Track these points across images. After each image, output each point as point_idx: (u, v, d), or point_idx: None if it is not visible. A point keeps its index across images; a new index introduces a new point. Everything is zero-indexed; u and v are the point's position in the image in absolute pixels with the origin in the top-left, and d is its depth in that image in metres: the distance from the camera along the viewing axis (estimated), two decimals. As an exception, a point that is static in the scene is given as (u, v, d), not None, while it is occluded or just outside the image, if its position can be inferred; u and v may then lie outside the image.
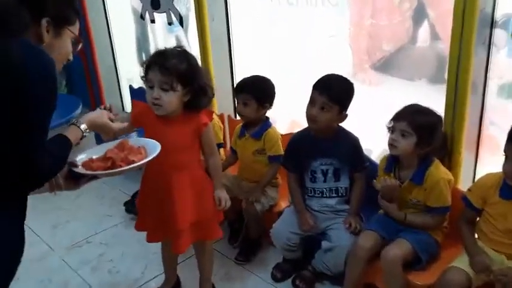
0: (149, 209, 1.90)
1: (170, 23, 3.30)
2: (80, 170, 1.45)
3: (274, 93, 2.30)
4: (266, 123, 2.32)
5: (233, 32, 2.90)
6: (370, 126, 2.27)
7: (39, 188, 1.24)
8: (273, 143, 2.28)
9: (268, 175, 2.31)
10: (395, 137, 1.82)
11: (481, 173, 2.05)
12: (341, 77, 2.00)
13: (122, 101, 4.15)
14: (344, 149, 2.03)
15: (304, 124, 2.79)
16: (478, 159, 2.06)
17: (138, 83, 3.25)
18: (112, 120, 1.54)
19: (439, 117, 1.85)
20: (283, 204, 2.38)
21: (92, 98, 4.13)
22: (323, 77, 1.99)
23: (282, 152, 2.26)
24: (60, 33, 1.27)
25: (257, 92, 2.23)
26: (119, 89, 4.13)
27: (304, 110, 2.58)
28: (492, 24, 1.83)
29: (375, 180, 1.93)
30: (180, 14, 3.20)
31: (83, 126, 1.41)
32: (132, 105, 1.88)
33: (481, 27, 1.81)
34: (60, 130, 1.38)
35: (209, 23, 2.82)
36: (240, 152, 2.41)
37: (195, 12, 2.83)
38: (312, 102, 1.95)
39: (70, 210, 2.96)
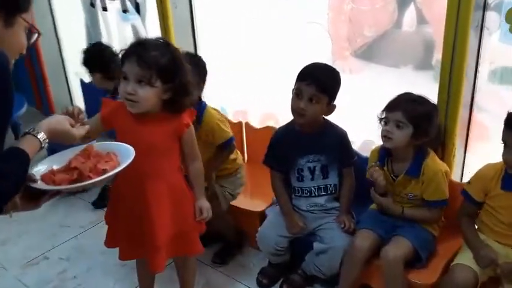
0: (121, 223, 1.67)
1: (125, 11, 3.02)
2: (41, 185, 1.20)
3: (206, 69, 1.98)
4: (200, 105, 1.95)
5: (197, 19, 2.68)
6: (351, 117, 2.15)
7: None
8: (212, 128, 1.96)
9: (212, 163, 1.99)
10: (390, 129, 1.70)
11: (470, 161, 1.99)
12: (326, 65, 1.86)
13: (70, 97, 3.80)
14: (331, 144, 1.89)
15: (278, 117, 2.69)
16: (468, 147, 1.99)
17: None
18: (73, 126, 1.28)
19: (434, 105, 1.75)
20: (264, 204, 2.22)
21: (37, 94, 3.76)
22: (307, 66, 1.82)
23: (229, 135, 2.00)
24: (11, 22, 1.08)
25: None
26: (67, 84, 3.78)
27: (277, 101, 2.46)
28: (484, 6, 1.74)
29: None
30: (136, 1, 2.93)
31: (41, 136, 1.16)
32: (101, 103, 1.61)
33: (474, 9, 1.72)
34: (13, 142, 1.14)
35: (172, 11, 2.58)
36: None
37: (155, -2, 2.58)
38: (298, 94, 1.78)
39: (20, 222, 2.62)
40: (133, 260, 1.99)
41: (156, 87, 1.47)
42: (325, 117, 1.89)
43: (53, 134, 1.20)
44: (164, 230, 1.60)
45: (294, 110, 1.82)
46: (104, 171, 1.26)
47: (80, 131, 1.29)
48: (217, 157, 2.04)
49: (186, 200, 1.66)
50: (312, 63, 1.86)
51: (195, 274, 1.90)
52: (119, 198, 1.67)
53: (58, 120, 1.25)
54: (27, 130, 1.17)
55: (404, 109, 1.69)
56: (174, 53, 1.51)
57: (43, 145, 1.16)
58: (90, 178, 1.23)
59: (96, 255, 2.35)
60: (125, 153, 1.33)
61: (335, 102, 1.84)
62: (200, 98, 1.99)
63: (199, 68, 1.90)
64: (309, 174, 1.92)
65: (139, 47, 1.48)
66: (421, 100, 1.73)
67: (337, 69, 1.86)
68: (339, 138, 1.91)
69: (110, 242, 1.75)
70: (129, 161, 1.29)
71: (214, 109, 2.06)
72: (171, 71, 1.48)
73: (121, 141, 1.53)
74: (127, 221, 1.64)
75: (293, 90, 1.82)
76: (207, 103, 2.02)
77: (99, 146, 1.37)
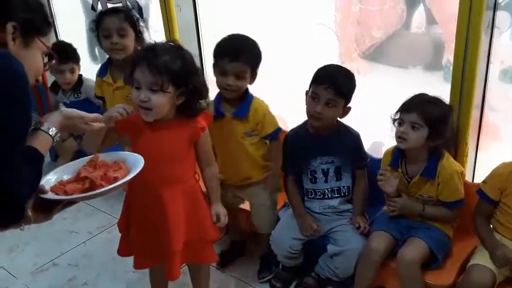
0: (136, 231, 1.65)
1: (133, 15, 2.99)
2: (52, 195, 1.19)
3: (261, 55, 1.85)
4: (247, 95, 1.87)
5: (202, 21, 2.67)
6: (360, 118, 2.14)
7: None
8: (265, 117, 1.86)
9: (277, 157, 1.93)
10: (405, 130, 1.70)
11: (482, 161, 1.99)
12: (341, 67, 1.86)
13: (72, 102, 3.77)
14: (346, 146, 1.88)
15: (286, 119, 2.67)
16: (479, 147, 2.00)
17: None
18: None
19: (449, 107, 1.75)
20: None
21: (39, 101, 3.71)
22: (323, 68, 1.82)
23: (278, 124, 1.91)
24: (29, 43, 1.07)
25: (251, 57, 1.79)
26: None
27: (285, 103, 2.45)
28: (495, 6, 1.75)
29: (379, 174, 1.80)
30: (139, 4, 2.91)
31: (53, 131, 1.14)
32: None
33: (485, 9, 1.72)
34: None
35: (176, 13, 2.57)
36: (220, 140, 1.87)
37: (160, 1, 2.56)
38: (314, 98, 1.77)
39: (27, 229, 2.53)
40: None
41: (169, 92, 1.45)
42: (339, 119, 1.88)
43: (63, 128, 1.20)
44: (179, 237, 1.58)
45: (310, 114, 1.81)
46: (116, 179, 1.25)
47: (91, 126, 1.29)
48: (272, 152, 1.95)
49: (201, 206, 1.65)
50: (327, 65, 1.85)
51: (209, 280, 1.89)
52: (133, 207, 1.66)
53: (68, 115, 1.24)
54: (37, 126, 1.14)
55: (420, 110, 1.68)
56: (186, 57, 1.50)
57: (55, 141, 1.16)
58: (102, 186, 1.22)
59: (105, 261, 2.33)
60: (134, 161, 1.32)
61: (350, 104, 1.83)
62: (247, 90, 1.87)
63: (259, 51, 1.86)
64: (323, 176, 1.91)
65: (150, 53, 1.46)
66: (436, 101, 1.73)
67: (345, 68, 1.85)
68: (352, 139, 1.91)
69: (123, 250, 1.74)
70: (140, 167, 1.28)
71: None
72: (183, 75, 1.47)
73: (135, 149, 1.53)
74: (142, 229, 1.63)
75: (307, 92, 1.81)
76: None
77: (105, 156, 1.36)
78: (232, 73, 1.76)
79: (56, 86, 3.02)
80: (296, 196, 1.96)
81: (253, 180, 1.97)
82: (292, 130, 1.99)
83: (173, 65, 1.44)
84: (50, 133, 1.14)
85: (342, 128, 1.90)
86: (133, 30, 2.14)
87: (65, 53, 2.78)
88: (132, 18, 2.17)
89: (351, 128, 1.92)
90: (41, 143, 1.11)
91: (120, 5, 2.87)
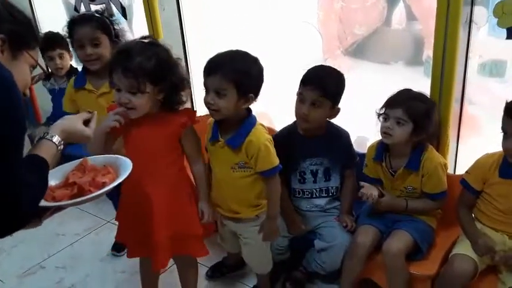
0: (129, 221, 1.70)
1: (111, 16, 2.98)
2: (43, 202, 1.17)
3: (262, 78, 1.62)
4: (248, 121, 1.64)
5: (186, 21, 2.67)
6: (345, 114, 2.17)
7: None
8: (260, 152, 1.61)
9: (272, 199, 1.70)
10: (390, 125, 1.73)
11: (463, 153, 2.03)
12: (330, 68, 1.84)
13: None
14: (336, 147, 1.89)
15: (271, 116, 2.69)
16: (460, 139, 2.04)
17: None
18: (88, 122, 1.29)
19: (433, 102, 1.78)
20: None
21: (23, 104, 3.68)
22: (310, 70, 1.82)
23: (277, 162, 1.66)
24: (16, 56, 1.08)
25: (238, 74, 1.54)
26: (53, 91, 3.72)
27: (270, 101, 2.46)
28: (472, 1, 1.79)
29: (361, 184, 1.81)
30: (122, 5, 2.90)
31: (56, 139, 1.15)
32: (107, 110, 1.61)
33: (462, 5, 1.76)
34: (29, 149, 1.14)
35: (160, 13, 2.57)
36: (213, 163, 1.75)
37: (143, 1, 2.57)
38: (301, 99, 1.78)
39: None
40: (132, 267, 1.99)
41: (147, 92, 1.47)
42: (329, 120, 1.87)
43: (67, 135, 1.21)
44: (162, 228, 1.60)
45: (297, 115, 1.82)
46: (104, 185, 1.25)
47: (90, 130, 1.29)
48: (267, 192, 1.72)
49: (186, 202, 1.67)
50: (316, 66, 1.85)
51: (197, 277, 1.90)
52: (127, 200, 1.70)
53: (71, 121, 1.25)
54: (41, 135, 1.16)
55: (405, 106, 1.71)
56: (159, 53, 1.50)
57: (59, 148, 1.16)
58: (91, 192, 1.23)
59: (93, 263, 2.33)
60: (122, 164, 1.33)
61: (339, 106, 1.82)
62: (250, 111, 1.67)
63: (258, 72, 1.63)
64: (311, 177, 1.92)
65: (123, 57, 1.47)
66: (421, 97, 1.76)
67: (333, 69, 1.85)
68: (342, 141, 1.92)
69: (119, 236, 1.80)
70: (128, 172, 1.29)
71: (263, 126, 1.69)
72: (159, 72, 1.48)
73: (126, 146, 1.59)
74: (133, 220, 1.67)
75: (297, 94, 1.81)
76: (256, 119, 1.68)
77: (94, 159, 1.37)
78: (212, 89, 1.56)
79: (48, 76, 2.98)
80: (285, 196, 1.93)
81: (241, 216, 1.76)
82: (281, 130, 1.98)
83: (147, 65, 1.45)
84: (54, 141, 1.15)
85: (331, 129, 1.90)
86: (108, 36, 2.04)
87: (52, 41, 2.74)
88: (105, 24, 2.06)
89: (341, 128, 1.93)
90: (46, 150, 1.12)
91: (99, 7, 2.84)
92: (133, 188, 1.59)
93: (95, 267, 2.30)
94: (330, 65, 2.00)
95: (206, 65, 1.58)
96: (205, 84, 1.58)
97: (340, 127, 1.93)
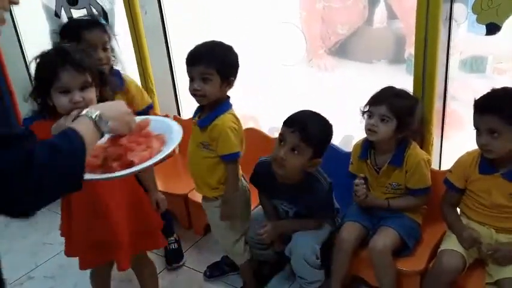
0: (79, 232, 1.61)
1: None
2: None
3: (238, 62, 1.77)
4: (221, 107, 1.74)
5: (168, 24, 2.66)
6: (329, 113, 2.18)
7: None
8: (220, 137, 1.72)
9: (230, 182, 1.80)
10: (375, 122, 1.74)
11: (447, 149, 2.06)
12: (319, 115, 1.73)
13: (40, 111, 3.70)
14: (310, 199, 1.77)
15: (258, 118, 2.69)
16: (444, 136, 2.06)
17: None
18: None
19: (416, 99, 1.80)
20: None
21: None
22: (297, 112, 1.72)
23: (236, 149, 1.74)
24: None
25: (219, 61, 1.69)
26: (36, 98, 3.67)
27: (254, 103, 2.46)
28: (452, -1, 1.81)
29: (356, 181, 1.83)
30: (103, 9, 2.88)
31: (93, 113, 1.06)
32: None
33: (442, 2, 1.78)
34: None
35: (142, 17, 2.56)
36: (189, 140, 1.87)
37: (124, 5, 2.55)
38: (281, 140, 1.67)
39: (0, 243, 2.55)
40: (120, 274, 1.95)
41: (93, 86, 1.42)
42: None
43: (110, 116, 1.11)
44: (123, 229, 1.58)
45: (273, 158, 1.70)
46: (131, 164, 1.17)
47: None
48: (226, 175, 1.81)
49: (143, 200, 1.66)
50: (302, 111, 1.74)
51: (157, 278, 1.89)
52: (75, 205, 1.59)
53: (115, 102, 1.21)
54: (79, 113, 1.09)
55: (389, 103, 1.72)
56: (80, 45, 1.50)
57: (95, 119, 1.06)
58: (113, 171, 1.17)
59: (82, 272, 2.29)
60: (171, 140, 1.25)
61: (321, 159, 1.71)
62: (227, 98, 1.78)
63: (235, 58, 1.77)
64: (284, 213, 1.91)
65: (64, 54, 1.40)
66: (404, 94, 1.78)
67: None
68: (316, 196, 1.77)
69: (68, 251, 1.73)
70: (168, 151, 1.21)
71: (233, 115, 1.77)
72: (88, 64, 1.41)
73: None
74: (84, 229, 1.59)
75: (278, 135, 1.72)
76: (232, 107, 1.78)
77: (155, 122, 1.29)
78: (198, 77, 1.68)
79: None
80: (269, 208, 1.93)
81: (205, 194, 1.89)
82: (263, 161, 1.86)
83: (76, 56, 1.40)
84: (90, 115, 1.05)
85: (310, 180, 1.76)
86: (109, 40, 2.00)
87: None
88: (107, 29, 2.02)
89: (321, 184, 1.77)
90: (82, 127, 1.01)
91: (81, 12, 2.80)
92: (85, 194, 1.43)
93: (84, 275, 2.24)
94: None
95: (188, 56, 1.72)
96: (189, 74, 1.71)
97: (322, 179, 1.78)
